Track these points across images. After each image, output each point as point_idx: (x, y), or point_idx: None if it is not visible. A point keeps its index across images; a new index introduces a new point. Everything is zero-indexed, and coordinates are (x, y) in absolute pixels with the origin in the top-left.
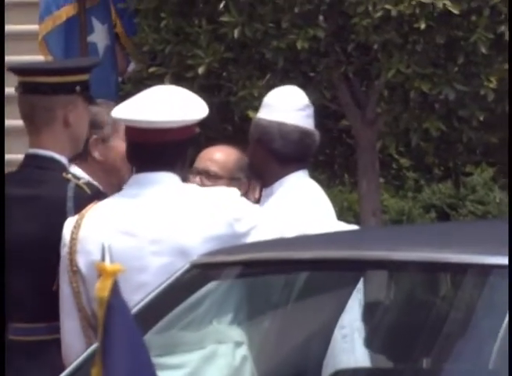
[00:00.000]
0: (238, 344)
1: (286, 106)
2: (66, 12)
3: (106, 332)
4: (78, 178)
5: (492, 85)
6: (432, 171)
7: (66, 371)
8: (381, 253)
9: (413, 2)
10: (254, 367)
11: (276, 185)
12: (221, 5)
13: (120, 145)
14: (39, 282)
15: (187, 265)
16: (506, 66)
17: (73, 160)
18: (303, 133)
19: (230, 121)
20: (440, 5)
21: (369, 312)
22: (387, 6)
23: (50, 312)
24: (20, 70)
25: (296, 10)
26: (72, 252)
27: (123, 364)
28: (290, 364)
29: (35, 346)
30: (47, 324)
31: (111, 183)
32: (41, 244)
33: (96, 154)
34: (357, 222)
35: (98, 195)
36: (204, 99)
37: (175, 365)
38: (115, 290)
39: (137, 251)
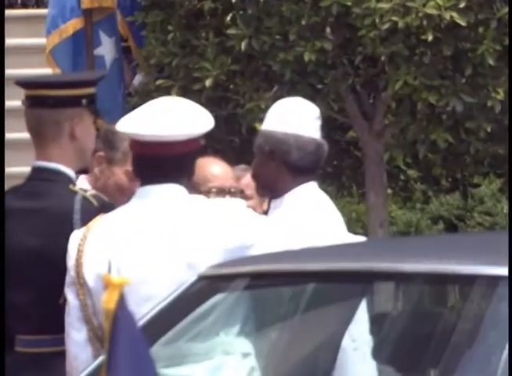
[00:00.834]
0: (245, 355)
1: (302, 118)
2: (73, 25)
3: (112, 344)
4: (85, 191)
5: (499, 97)
6: (440, 183)
7: None
8: (389, 265)
9: (420, 14)
10: None
11: (286, 196)
12: (228, 18)
13: (120, 176)
14: (45, 294)
15: (195, 277)
16: None
17: (78, 172)
18: (317, 144)
19: (237, 133)
20: (447, 17)
21: (377, 323)
22: (394, 18)
23: (56, 324)
24: (27, 84)
25: (303, 22)
26: (79, 264)
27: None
28: (298, 375)
29: (41, 358)
30: (52, 336)
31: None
32: (47, 255)
33: (96, 170)
34: (365, 234)
35: (105, 207)
36: (211, 111)
37: None
38: (121, 302)
39: (144, 264)
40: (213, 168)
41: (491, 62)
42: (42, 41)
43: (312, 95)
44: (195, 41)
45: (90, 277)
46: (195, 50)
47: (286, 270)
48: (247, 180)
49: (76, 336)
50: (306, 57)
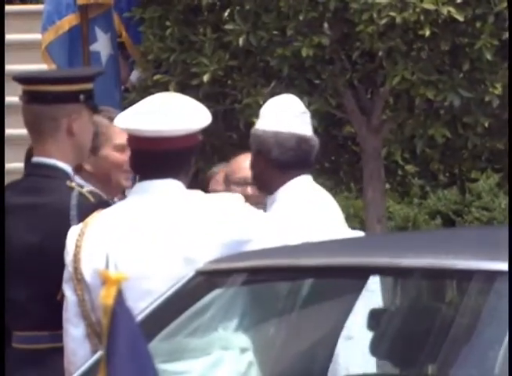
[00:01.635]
0: (243, 350)
1: (281, 115)
2: (69, 21)
3: (110, 340)
4: (82, 187)
5: (497, 92)
6: (437, 178)
7: None
8: (386, 260)
9: (418, 9)
10: (260, 374)
11: (279, 192)
12: (226, 14)
13: (111, 154)
14: (42, 290)
15: (192, 273)
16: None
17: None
18: (299, 139)
19: (235, 128)
20: (445, 12)
21: (375, 318)
22: (392, 13)
23: (53, 320)
24: (24, 79)
25: (300, 18)
26: (76, 260)
27: (127, 371)
28: (296, 370)
29: (38, 354)
30: (50, 332)
31: (108, 192)
32: (45, 251)
33: (87, 166)
34: (362, 229)
35: (102, 203)
36: (209, 106)
37: (181, 371)
38: (119, 297)
39: (142, 259)
40: (241, 160)
41: (488, 57)
42: (39, 36)
43: (310, 91)
44: (193, 36)
45: (88, 273)
46: (193, 46)
47: (284, 265)
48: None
49: (74, 332)
50: (304, 52)
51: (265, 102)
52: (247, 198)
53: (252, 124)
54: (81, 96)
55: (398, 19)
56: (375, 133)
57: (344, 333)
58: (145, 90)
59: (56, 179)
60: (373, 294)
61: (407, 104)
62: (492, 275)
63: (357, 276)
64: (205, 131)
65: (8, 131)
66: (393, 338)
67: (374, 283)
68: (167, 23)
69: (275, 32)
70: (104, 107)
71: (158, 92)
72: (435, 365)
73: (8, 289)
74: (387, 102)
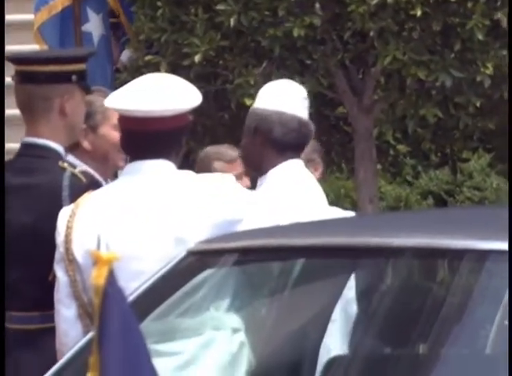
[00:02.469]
0: (235, 330)
1: (286, 97)
2: (62, 2)
3: (102, 320)
4: (74, 167)
5: (488, 72)
6: (429, 158)
7: (64, 359)
8: (378, 239)
9: None
10: (252, 354)
11: (270, 173)
12: None
13: (110, 133)
14: (34, 270)
15: (184, 253)
16: (503, 52)
17: (67, 149)
18: (301, 122)
19: (227, 108)
20: None
21: (366, 298)
22: None
23: (45, 300)
24: (17, 60)
25: None
26: (68, 241)
27: (119, 352)
28: (288, 350)
29: (31, 334)
30: (42, 313)
31: (103, 171)
32: (37, 232)
33: (85, 144)
34: (354, 209)
35: (93, 184)
36: (200, 87)
37: (173, 352)
38: (111, 278)
39: (133, 239)
40: None
41: (480, 37)
42: (31, 17)
43: (301, 71)
44: (184, 16)
45: (79, 253)
46: (184, 26)
47: (276, 246)
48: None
49: (66, 312)
50: (295, 33)
51: (256, 82)
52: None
53: (243, 104)
54: (74, 77)
55: (390, 0)
56: (366, 113)
57: (336, 313)
58: (136, 70)
59: (48, 160)
60: (364, 274)
61: (398, 84)
62: (484, 254)
63: (348, 256)
64: (196, 111)
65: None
66: (384, 317)
67: (366, 263)
68: (159, 4)
69: (266, 12)
70: (97, 87)
71: (149, 72)
72: (426, 344)
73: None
74: (378, 82)
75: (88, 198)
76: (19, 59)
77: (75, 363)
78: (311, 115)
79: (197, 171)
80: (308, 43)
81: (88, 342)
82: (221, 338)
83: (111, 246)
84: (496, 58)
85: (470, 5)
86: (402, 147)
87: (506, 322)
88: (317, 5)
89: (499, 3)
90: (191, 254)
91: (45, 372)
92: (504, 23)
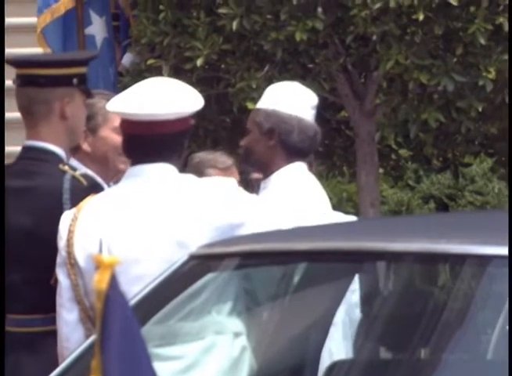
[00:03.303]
0: (237, 334)
1: (304, 102)
2: (65, 5)
3: (104, 324)
4: (75, 170)
5: (490, 76)
6: (431, 162)
7: (65, 362)
8: (380, 244)
9: None
10: (253, 358)
11: (274, 176)
12: None
13: (110, 135)
14: (34, 273)
15: (186, 257)
16: (505, 57)
17: (69, 153)
18: (316, 130)
19: (228, 112)
20: None
21: (368, 303)
22: None
23: (46, 303)
24: (18, 63)
25: (294, 2)
26: (70, 245)
27: (121, 356)
28: (289, 355)
29: (31, 337)
30: (43, 316)
31: (104, 175)
32: (37, 235)
33: (85, 146)
34: (356, 213)
35: (94, 186)
36: (202, 90)
37: (174, 356)
38: (113, 282)
39: (135, 243)
40: None
41: (482, 41)
42: (34, 20)
43: (303, 75)
44: (186, 20)
45: (81, 257)
46: (186, 29)
47: (277, 250)
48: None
49: (67, 316)
50: (297, 37)
51: (258, 86)
52: None
53: (245, 107)
54: (74, 80)
55: (392, 4)
56: (368, 117)
57: (337, 317)
58: (139, 74)
59: (49, 163)
60: (365, 279)
61: (400, 88)
62: (485, 259)
63: (350, 260)
64: (198, 115)
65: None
66: (386, 322)
67: (367, 267)
68: (161, 7)
69: (268, 16)
70: (99, 90)
71: (152, 76)
72: (428, 349)
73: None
74: (380, 86)
75: (89, 202)
76: (20, 63)
77: (77, 366)
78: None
79: None
80: (310, 47)
81: (89, 346)
82: (223, 342)
83: (113, 250)
84: (498, 62)
85: (472, 9)
86: (403, 151)
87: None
88: (319, 9)
89: (501, 8)
90: (193, 258)
91: (45, 375)
92: (506, 27)
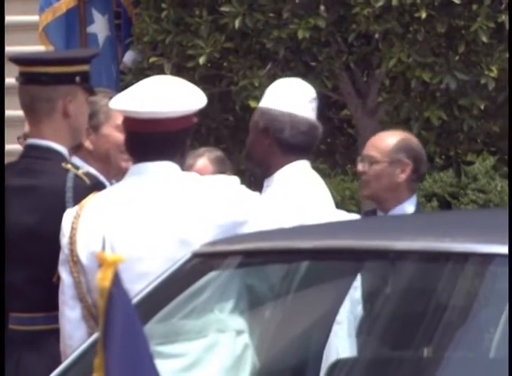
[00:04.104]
0: (239, 333)
1: (298, 98)
2: (66, 3)
3: (107, 322)
4: (77, 168)
5: (492, 74)
6: (433, 160)
7: (68, 360)
8: (382, 242)
9: None
10: (256, 356)
11: (277, 174)
12: None
13: (112, 133)
14: (37, 272)
15: (188, 255)
16: (507, 55)
17: (70, 151)
18: (311, 125)
19: (231, 110)
20: None
21: (370, 301)
22: None
23: (49, 302)
24: (21, 61)
25: (297, 0)
26: (72, 242)
27: (123, 354)
28: (292, 353)
29: (34, 336)
30: (45, 314)
31: (106, 173)
32: (40, 234)
33: (87, 143)
34: (358, 211)
35: (97, 185)
36: (205, 89)
37: (177, 354)
38: (116, 280)
39: (138, 241)
40: (375, 139)
41: (484, 39)
42: (36, 18)
43: (306, 73)
44: (188, 18)
45: (84, 255)
46: (188, 28)
47: (280, 248)
48: (201, 165)
49: (70, 314)
50: (300, 35)
51: (260, 84)
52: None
53: (248, 106)
54: (77, 78)
55: (395, 2)
56: (371, 115)
57: (340, 315)
58: (141, 72)
59: (51, 161)
60: (368, 277)
61: (403, 86)
62: (488, 258)
63: (352, 258)
64: (201, 113)
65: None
66: (388, 320)
67: (370, 265)
68: (163, 5)
69: (271, 14)
70: (101, 89)
71: (154, 74)
72: (430, 348)
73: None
74: (383, 84)
75: (92, 199)
76: (23, 60)
77: (79, 364)
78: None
79: None
80: (312, 45)
81: (92, 344)
82: (226, 340)
83: (116, 248)
84: (501, 60)
85: (474, 7)
86: None
87: None
88: (322, 7)
89: (503, 6)
90: (195, 256)
91: (48, 373)
92: (508, 25)
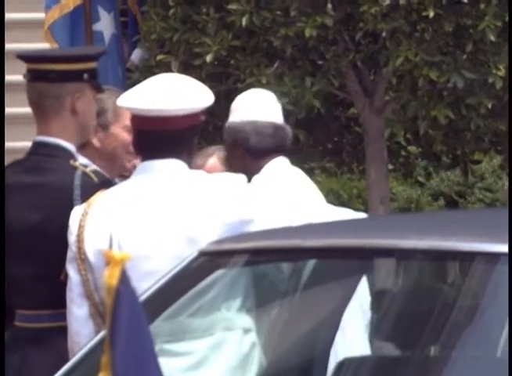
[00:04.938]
0: (246, 331)
1: (256, 105)
2: (73, 1)
3: (114, 320)
4: (85, 166)
5: (500, 73)
6: (440, 159)
7: (76, 358)
8: (389, 241)
9: None
10: (263, 354)
11: (255, 178)
12: None
13: (120, 132)
14: (44, 269)
15: (195, 253)
16: None
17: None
18: (276, 126)
19: None
20: None
21: (377, 300)
22: None
23: (55, 299)
24: (29, 58)
25: None
26: (80, 240)
27: (129, 352)
28: (298, 351)
29: (39, 333)
30: (51, 312)
31: (110, 171)
32: (48, 231)
33: (95, 141)
34: (365, 210)
35: (105, 183)
36: (212, 86)
37: (184, 352)
38: (123, 278)
39: (145, 239)
40: None
41: (492, 38)
42: (41, 15)
43: (313, 71)
44: (196, 16)
45: (91, 253)
46: (196, 25)
47: (287, 246)
48: (211, 164)
49: (77, 312)
50: (307, 33)
51: (267, 82)
52: None
53: None
54: (85, 75)
55: (402, 0)
56: (378, 114)
57: (347, 314)
58: (148, 70)
59: (59, 159)
60: (375, 276)
61: (410, 85)
62: (494, 257)
63: (359, 257)
64: (208, 111)
65: (11, 110)
66: (395, 319)
67: (376, 264)
68: (170, 3)
69: (278, 12)
70: (107, 87)
71: (161, 72)
72: (437, 347)
73: (11, 267)
74: (390, 83)
75: (100, 197)
76: (31, 57)
77: (86, 362)
78: (322, 115)
79: None
80: (319, 43)
81: (99, 342)
82: (232, 339)
83: (123, 246)
84: (508, 59)
85: (482, 6)
86: (413, 148)
87: None
88: (329, 6)
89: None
90: (202, 254)
91: (55, 371)
92: None
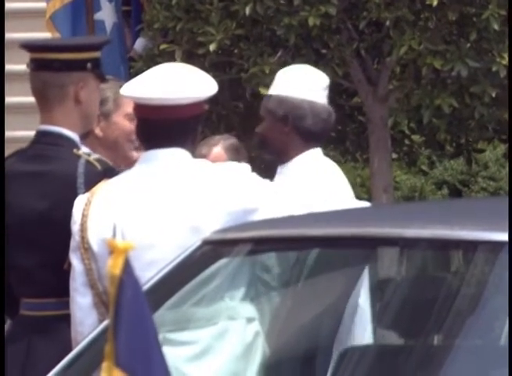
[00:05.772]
0: (250, 320)
1: (315, 85)
2: None
3: (117, 309)
4: (89, 155)
5: (504, 62)
6: (444, 148)
7: (79, 347)
8: (393, 230)
9: None
10: (266, 343)
11: (294, 162)
12: None
13: (122, 121)
14: (48, 257)
15: (199, 242)
16: None
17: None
18: (329, 112)
19: (241, 98)
20: None
21: (381, 289)
22: None
23: (59, 287)
24: (32, 47)
25: None
26: (83, 229)
27: (132, 341)
28: (302, 341)
29: (44, 321)
30: (56, 300)
31: (113, 161)
32: (51, 219)
33: (97, 130)
34: (369, 199)
35: (108, 171)
36: (215, 76)
37: (187, 341)
38: (127, 267)
39: (149, 228)
40: None
41: (495, 27)
42: (42, 4)
43: (316, 60)
44: (199, 5)
45: (95, 242)
46: (199, 14)
47: (290, 235)
48: (216, 153)
49: (81, 301)
50: (310, 22)
51: (271, 71)
52: None
53: (258, 93)
54: (89, 64)
55: None
56: (381, 103)
57: (351, 303)
58: (151, 59)
59: (63, 147)
60: (378, 265)
61: (414, 74)
62: (498, 246)
63: (363, 246)
64: (211, 100)
65: (13, 99)
66: (399, 308)
67: (380, 253)
68: None
69: (281, 1)
70: (110, 77)
71: (164, 61)
72: (440, 335)
73: (15, 256)
74: (393, 71)
75: (103, 186)
76: (35, 47)
77: (90, 351)
78: None
79: None
80: (323, 32)
81: (103, 331)
82: (236, 328)
83: (127, 235)
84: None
85: None
86: (416, 137)
87: None
88: None
89: None
90: (206, 243)
91: (59, 359)
92: None
